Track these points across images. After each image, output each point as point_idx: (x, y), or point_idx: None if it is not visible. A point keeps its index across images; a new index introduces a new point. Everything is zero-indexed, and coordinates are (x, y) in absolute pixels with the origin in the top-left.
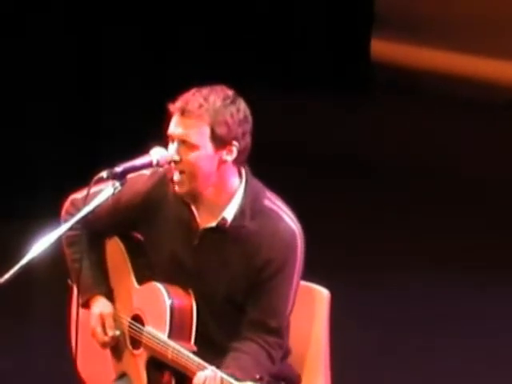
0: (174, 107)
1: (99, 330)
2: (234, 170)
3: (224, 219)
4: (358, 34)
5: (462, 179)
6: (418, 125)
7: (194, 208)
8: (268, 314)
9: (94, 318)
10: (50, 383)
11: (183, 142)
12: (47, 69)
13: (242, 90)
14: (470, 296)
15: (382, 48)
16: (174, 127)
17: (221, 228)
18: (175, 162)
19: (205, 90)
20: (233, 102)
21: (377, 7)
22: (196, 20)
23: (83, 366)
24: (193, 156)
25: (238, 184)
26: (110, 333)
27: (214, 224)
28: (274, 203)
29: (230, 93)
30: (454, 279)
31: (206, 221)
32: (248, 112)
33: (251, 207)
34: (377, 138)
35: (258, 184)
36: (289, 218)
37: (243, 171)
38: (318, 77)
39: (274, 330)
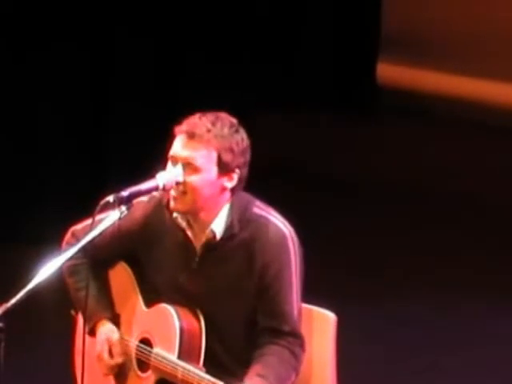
0: (181, 129)
1: (106, 355)
2: (228, 197)
3: (212, 232)
4: (365, 57)
5: (468, 202)
6: (425, 148)
7: (189, 232)
8: (278, 320)
9: (100, 342)
10: None
11: (188, 165)
12: (59, 99)
13: (244, 114)
14: (473, 317)
15: (389, 71)
16: (181, 149)
17: (213, 243)
18: (177, 183)
19: (210, 116)
20: (237, 130)
21: (384, 30)
22: (200, 40)
23: None
24: (196, 179)
25: (223, 203)
26: (118, 359)
27: (204, 239)
28: (263, 210)
29: (235, 121)
30: (457, 300)
31: (199, 241)
32: (249, 143)
33: (240, 217)
34: (383, 160)
35: (245, 195)
36: (278, 221)
37: None
38: (323, 100)
39: (289, 333)
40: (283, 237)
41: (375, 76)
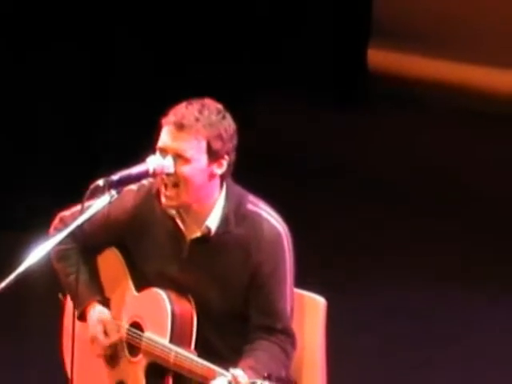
0: (168, 120)
1: (101, 336)
2: (218, 184)
3: (208, 228)
4: (356, 43)
5: (462, 190)
6: (417, 135)
7: (179, 221)
8: (271, 317)
9: (93, 323)
10: None
11: (178, 156)
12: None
13: (239, 102)
14: (471, 308)
15: (380, 58)
16: (170, 141)
17: (206, 237)
18: (168, 174)
19: (196, 104)
20: (224, 116)
21: (375, 17)
22: (200, 32)
23: (78, 377)
24: (187, 169)
25: (219, 192)
26: (114, 337)
27: (198, 234)
28: (257, 206)
29: (220, 107)
30: (454, 291)
31: (191, 232)
32: (235, 127)
33: (235, 213)
34: (374, 148)
35: (239, 190)
36: (273, 219)
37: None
38: (314, 87)
39: (281, 331)
40: (278, 235)
41: (366, 63)
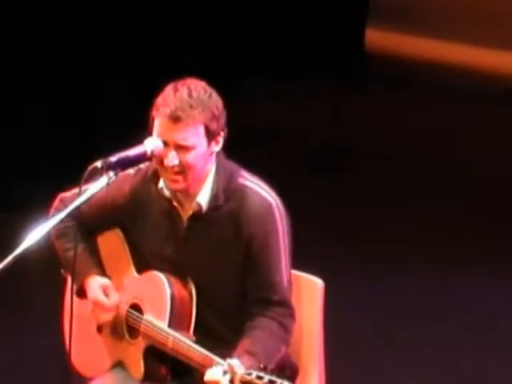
0: (162, 114)
1: (102, 297)
2: (213, 158)
3: (198, 204)
4: (353, 24)
5: (460, 171)
6: (413, 115)
7: (174, 202)
8: (268, 290)
9: (94, 289)
10: (43, 374)
11: (180, 147)
12: (46, 71)
13: (235, 82)
14: (470, 287)
15: (377, 38)
16: (169, 134)
17: (199, 214)
18: (173, 165)
19: (182, 88)
20: (211, 94)
21: None
22: (191, 16)
23: (77, 355)
24: (191, 157)
25: (209, 168)
26: (114, 297)
27: (191, 212)
28: (249, 179)
29: (204, 83)
30: (454, 270)
31: (186, 212)
32: (221, 100)
33: (225, 188)
34: (371, 128)
35: (231, 164)
36: (264, 191)
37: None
38: (312, 68)
39: (279, 303)
40: (269, 206)
41: (364, 43)
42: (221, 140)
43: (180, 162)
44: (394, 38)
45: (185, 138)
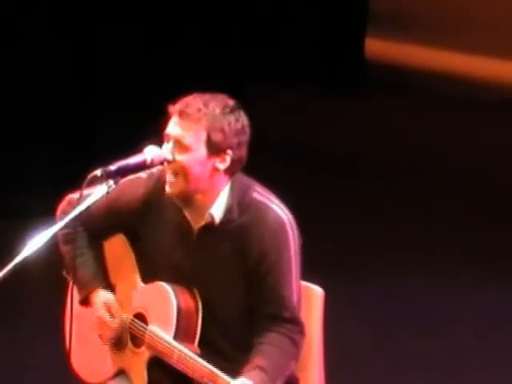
0: (174, 109)
1: (107, 317)
2: (225, 180)
3: (211, 216)
4: (353, 32)
5: (459, 177)
6: (412, 122)
7: (186, 212)
8: (278, 306)
9: (99, 307)
10: (44, 379)
11: (178, 143)
12: (41, 69)
13: (237, 89)
14: (469, 291)
15: (377, 46)
16: (172, 128)
17: (211, 226)
18: (168, 161)
19: (206, 96)
20: (232, 111)
21: (372, 5)
22: (192, 19)
23: (78, 361)
24: (185, 158)
25: (224, 186)
26: (119, 315)
27: (203, 223)
28: (263, 195)
29: (231, 102)
30: (453, 275)
31: (197, 223)
32: (246, 123)
33: (239, 202)
34: (371, 133)
35: (245, 179)
36: (277, 207)
37: None
38: (312, 75)
39: (289, 320)
40: (282, 223)
41: (363, 51)
42: (228, 159)
43: (174, 160)
44: (393, 45)
45: (183, 135)
